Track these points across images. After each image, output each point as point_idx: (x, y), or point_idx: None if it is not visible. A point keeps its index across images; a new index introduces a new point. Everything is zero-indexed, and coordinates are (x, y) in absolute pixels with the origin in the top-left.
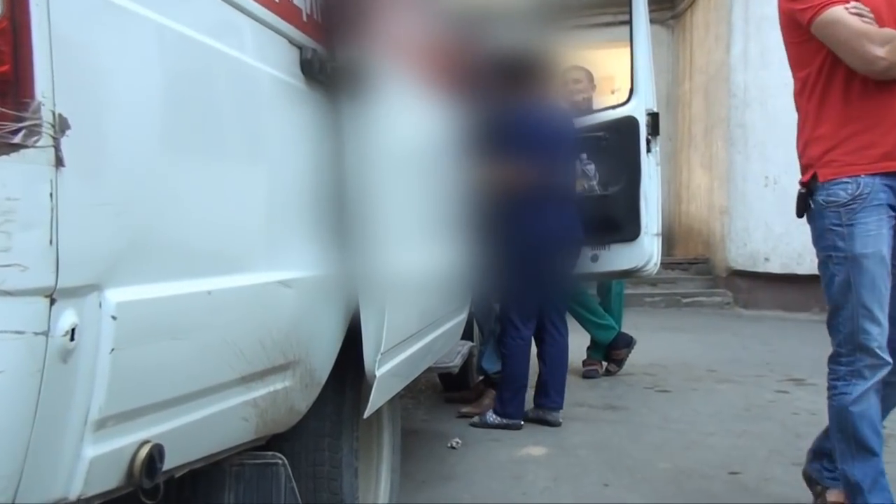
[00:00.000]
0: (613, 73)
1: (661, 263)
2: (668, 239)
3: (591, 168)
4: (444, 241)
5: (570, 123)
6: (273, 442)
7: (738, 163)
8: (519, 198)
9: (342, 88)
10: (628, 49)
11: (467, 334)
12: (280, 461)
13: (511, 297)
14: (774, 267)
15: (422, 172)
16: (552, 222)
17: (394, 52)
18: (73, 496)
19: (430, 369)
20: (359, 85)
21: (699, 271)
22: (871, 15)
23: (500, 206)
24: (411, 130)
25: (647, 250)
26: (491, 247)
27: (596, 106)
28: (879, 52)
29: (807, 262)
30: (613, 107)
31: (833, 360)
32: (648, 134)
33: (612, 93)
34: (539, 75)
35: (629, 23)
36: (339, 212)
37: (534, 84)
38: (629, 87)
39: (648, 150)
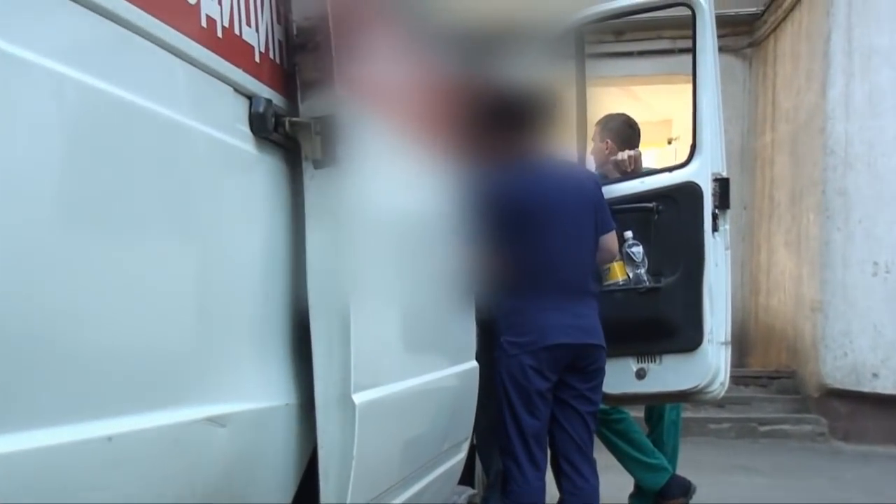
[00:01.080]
0: (671, 116)
1: (731, 378)
2: (741, 343)
3: (639, 251)
4: (437, 355)
5: (585, 188)
6: None
7: (836, 242)
8: (505, 292)
9: (307, 152)
10: (690, 87)
11: (466, 477)
12: None
13: (505, 427)
14: (886, 386)
15: (410, 268)
16: (551, 324)
17: (377, 101)
18: None
19: None
20: (329, 148)
21: (782, 389)
22: None
23: (495, 302)
24: (398, 210)
25: (711, 364)
26: (484, 358)
27: (646, 164)
28: None
29: None
30: (669, 168)
31: None
32: (715, 207)
33: (669, 143)
34: (540, 120)
35: (692, 51)
36: (297, 320)
37: (534, 132)
38: (691, 141)
39: (715, 229)
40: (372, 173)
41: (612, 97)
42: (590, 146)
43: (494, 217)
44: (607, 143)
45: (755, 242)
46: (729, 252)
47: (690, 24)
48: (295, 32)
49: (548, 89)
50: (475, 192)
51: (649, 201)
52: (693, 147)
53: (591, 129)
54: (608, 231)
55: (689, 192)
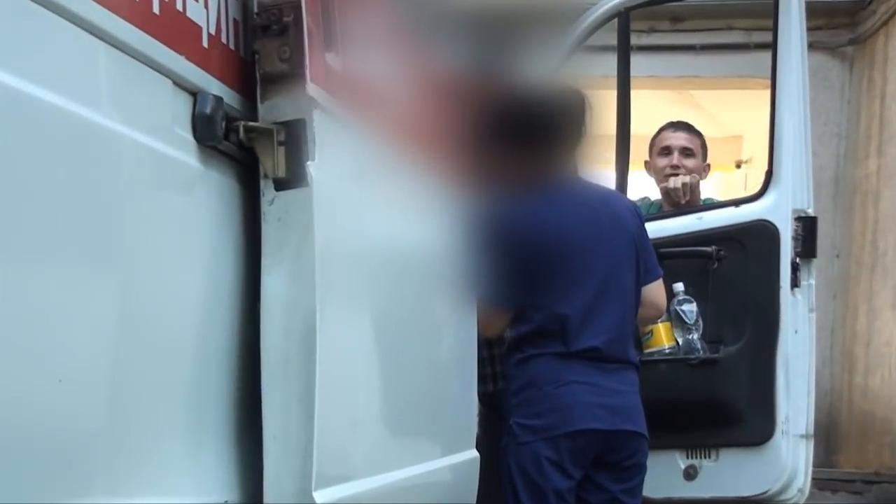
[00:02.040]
0: (741, 131)
1: (814, 482)
2: (828, 436)
3: (692, 310)
4: (427, 441)
5: (624, 222)
6: None
7: None
8: (518, 359)
9: (266, 168)
10: (768, 94)
11: None
12: None
13: None
14: None
15: (396, 324)
16: (577, 403)
17: (361, 103)
18: None
19: None
20: (296, 163)
21: (884, 496)
22: None
23: (504, 372)
24: (383, 248)
25: (786, 462)
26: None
27: (706, 194)
28: None
29: None
30: (736, 202)
31: None
32: (796, 254)
33: (738, 167)
34: (568, 132)
35: (772, 48)
36: (246, 389)
37: (560, 148)
38: (767, 166)
39: (795, 284)
40: (351, 198)
41: (663, 104)
42: (634, 168)
43: (506, 258)
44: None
45: (851, 303)
46: (814, 315)
47: (771, 11)
48: (256, 10)
49: (578, 93)
50: (483, 226)
51: (708, 244)
52: (769, 174)
53: (639, 145)
54: (654, 279)
55: (762, 234)
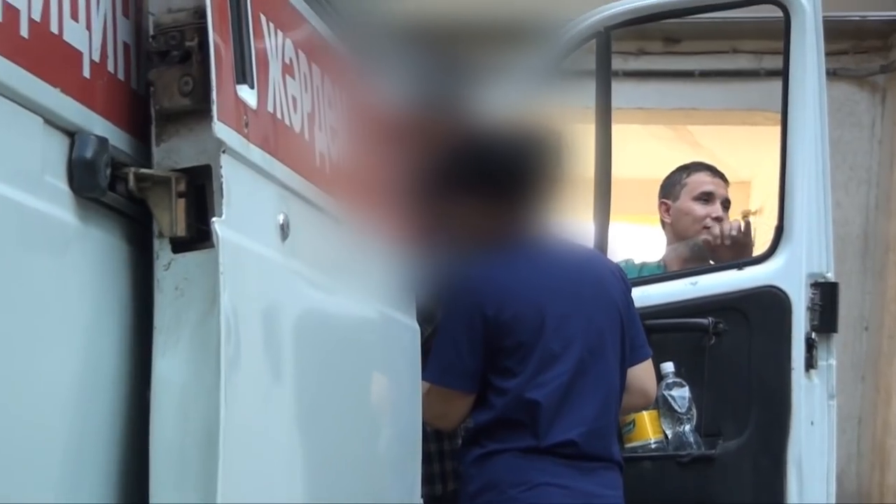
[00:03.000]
0: (749, 176)
1: None
2: None
3: (684, 396)
4: None
5: (608, 289)
6: None
7: None
8: (478, 455)
9: (162, 225)
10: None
11: None
12: None
13: None
14: None
15: (330, 424)
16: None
17: (284, 146)
18: None
19: None
20: (200, 220)
21: None
22: None
23: (461, 471)
24: (313, 327)
25: None
26: None
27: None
28: None
29: None
30: (739, 264)
31: None
32: (813, 328)
33: (745, 218)
34: (538, 179)
35: (783, 76)
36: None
37: (529, 198)
38: (777, 220)
39: (811, 365)
40: (269, 263)
41: (655, 141)
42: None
43: (463, 331)
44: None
45: (883, 386)
46: (835, 403)
47: (782, 32)
48: (152, 33)
49: (552, 131)
50: (436, 293)
51: (703, 315)
52: (779, 230)
53: (623, 192)
54: (642, 360)
55: (770, 303)
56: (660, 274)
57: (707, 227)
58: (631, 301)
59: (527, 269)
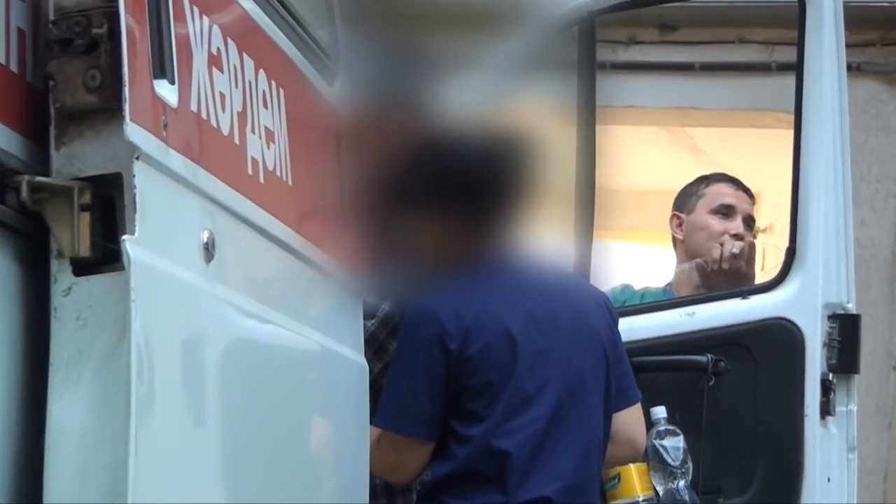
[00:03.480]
0: (758, 187)
1: None
2: None
3: (677, 446)
4: None
5: (590, 321)
6: None
7: None
8: None
9: (62, 243)
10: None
11: None
12: None
13: None
14: None
15: (260, 471)
16: None
17: (210, 150)
18: None
19: None
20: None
21: None
22: None
23: None
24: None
25: None
26: None
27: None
28: None
29: None
30: (742, 292)
31: None
32: (830, 367)
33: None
34: (508, 190)
35: (797, 70)
36: None
37: (498, 213)
38: (788, 241)
39: (828, 411)
40: (191, 289)
41: (649, 146)
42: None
43: (421, 368)
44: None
45: None
46: (855, 455)
47: (797, 20)
48: (52, 17)
49: (524, 133)
50: (389, 323)
51: (701, 352)
52: (790, 252)
53: (610, 205)
54: (630, 404)
55: (779, 337)
56: (650, 303)
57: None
58: (617, 335)
59: (496, 296)
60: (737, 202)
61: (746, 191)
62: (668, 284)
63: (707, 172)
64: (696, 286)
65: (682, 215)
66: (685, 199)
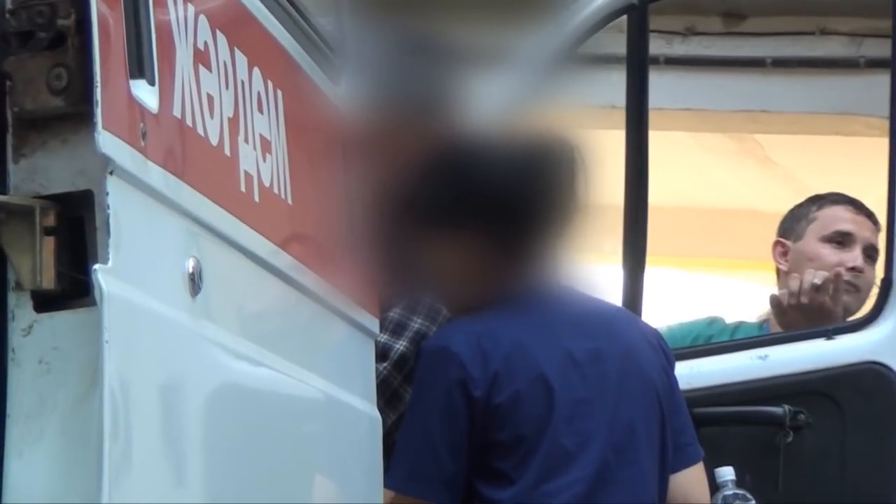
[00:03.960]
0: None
1: None
2: None
3: None
4: None
5: (641, 364)
6: None
7: None
8: None
9: (21, 274)
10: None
11: None
12: None
13: None
14: None
15: None
16: None
17: (196, 162)
18: None
19: None
20: (81, 266)
21: None
22: None
23: None
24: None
25: None
26: None
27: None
28: None
29: None
30: (827, 331)
31: None
32: None
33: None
34: (546, 208)
35: (891, 67)
36: None
37: (532, 234)
38: (884, 271)
39: None
40: (178, 329)
41: (711, 156)
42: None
43: (441, 418)
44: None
45: None
46: None
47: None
48: (9, 6)
49: (565, 142)
50: (405, 364)
51: (776, 402)
52: (886, 282)
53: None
54: (691, 463)
55: (871, 385)
56: (714, 344)
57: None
58: (674, 381)
59: (529, 333)
60: (856, 229)
61: (869, 215)
62: (764, 320)
63: (801, 191)
64: (798, 322)
65: (788, 243)
66: (792, 224)
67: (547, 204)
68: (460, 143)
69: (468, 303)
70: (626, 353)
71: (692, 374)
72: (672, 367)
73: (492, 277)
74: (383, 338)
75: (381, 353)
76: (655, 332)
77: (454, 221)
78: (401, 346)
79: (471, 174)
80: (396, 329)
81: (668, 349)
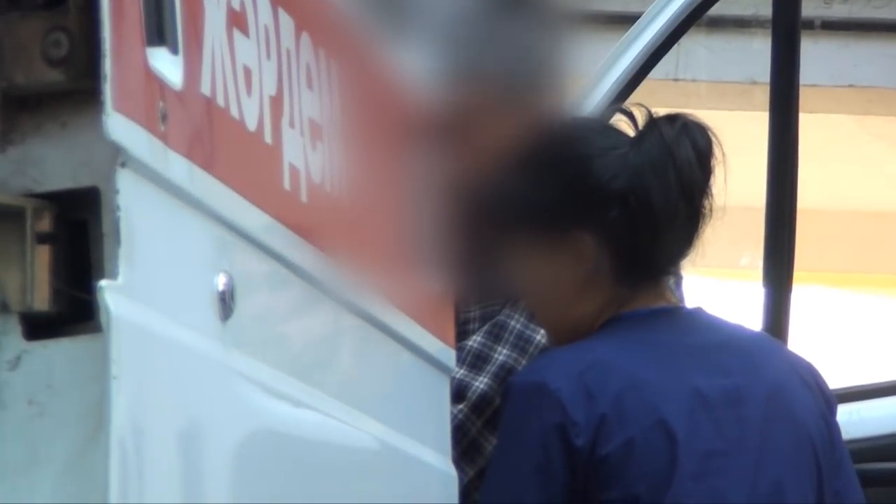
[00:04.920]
0: None
1: None
2: None
3: None
4: None
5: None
6: None
7: None
8: None
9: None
10: None
11: None
12: None
13: None
14: None
15: None
16: None
17: (240, 154)
18: None
19: None
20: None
21: None
22: None
23: None
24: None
25: None
26: None
27: None
28: None
29: None
30: None
31: None
32: None
33: None
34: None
35: None
36: None
37: (652, 251)
38: None
39: None
40: (205, 362)
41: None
42: None
43: (536, 477)
44: None
45: None
46: None
47: None
48: None
49: (692, 123)
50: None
51: None
52: None
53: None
54: None
55: None
56: (881, 384)
57: None
58: (835, 429)
59: (648, 368)
60: None
61: None
62: None
63: None
64: None
65: None
66: None
67: (675, 202)
68: (568, 127)
69: (576, 327)
70: (773, 394)
71: (859, 420)
72: (833, 413)
73: (608, 295)
74: (460, 373)
75: (457, 393)
76: (810, 367)
77: (562, 225)
78: (481, 383)
79: (584, 166)
80: (476, 362)
81: (828, 389)
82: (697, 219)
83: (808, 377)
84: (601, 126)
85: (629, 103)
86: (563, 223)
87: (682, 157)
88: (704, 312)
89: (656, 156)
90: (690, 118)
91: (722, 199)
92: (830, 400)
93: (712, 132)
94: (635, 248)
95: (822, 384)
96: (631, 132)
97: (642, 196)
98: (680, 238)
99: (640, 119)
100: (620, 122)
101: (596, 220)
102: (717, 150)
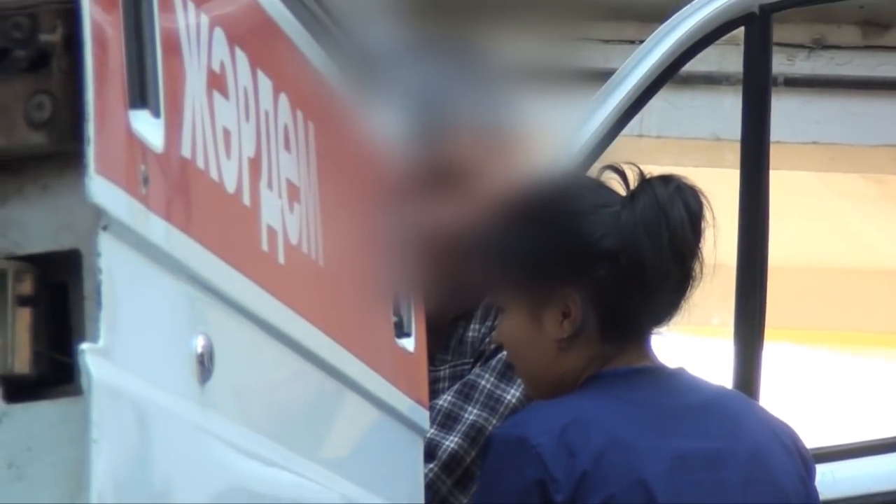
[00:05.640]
0: None
1: None
2: None
3: None
4: None
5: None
6: None
7: None
8: None
9: None
10: None
11: None
12: None
13: None
14: None
15: None
16: None
17: (222, 217)
18: None
19: None
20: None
21: None
22: None
23: None
24: None
25: None
26: None
27: None
28: None
29: None
30: None
31: None
32: None
33: None
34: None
35: None
36: None
37: (639, 311)
38: None
39: None
40: (183, 425)
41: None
42: None
43: None
44: None
45: None
46: None
47: None
48: None
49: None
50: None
51: None
52: None
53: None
54: None
55: None
56: (855, 444)
57: None
58: (814, 493)
59: (629, 427)
60: None
61: None
62: None
63: None
64: None
65: None
66: None
67: (667, 263)
68: (560, 182)
69: (559, 382)
70: (753, 457)
71: (825, 480)
72: (812, 476)
73: (592, 352)
74: (430, 432)
75: (428, 452)
76: (790, 431)
77: (550, 280)
78: (452, 442)
79: (574, 222)
80: (446, 421)
81: (807, 452)
82: (687, 281)
83: (787, 441)
84: (592, 183)
85: (617, 161)
86: (550, 279)
87: (675, 219)
88: (686, 373)
89: (650, 216)
90: (683, 179)
91: None
92: (809, 463)
93: (703, 195)
94: (623, 308)
95: (801, 448)
96: (621, 190)
97: (634, 256)
98: (668, 300)
99: (632, 178)
100: (611, 180)
101: (584, 277)
102: (707, 213)
